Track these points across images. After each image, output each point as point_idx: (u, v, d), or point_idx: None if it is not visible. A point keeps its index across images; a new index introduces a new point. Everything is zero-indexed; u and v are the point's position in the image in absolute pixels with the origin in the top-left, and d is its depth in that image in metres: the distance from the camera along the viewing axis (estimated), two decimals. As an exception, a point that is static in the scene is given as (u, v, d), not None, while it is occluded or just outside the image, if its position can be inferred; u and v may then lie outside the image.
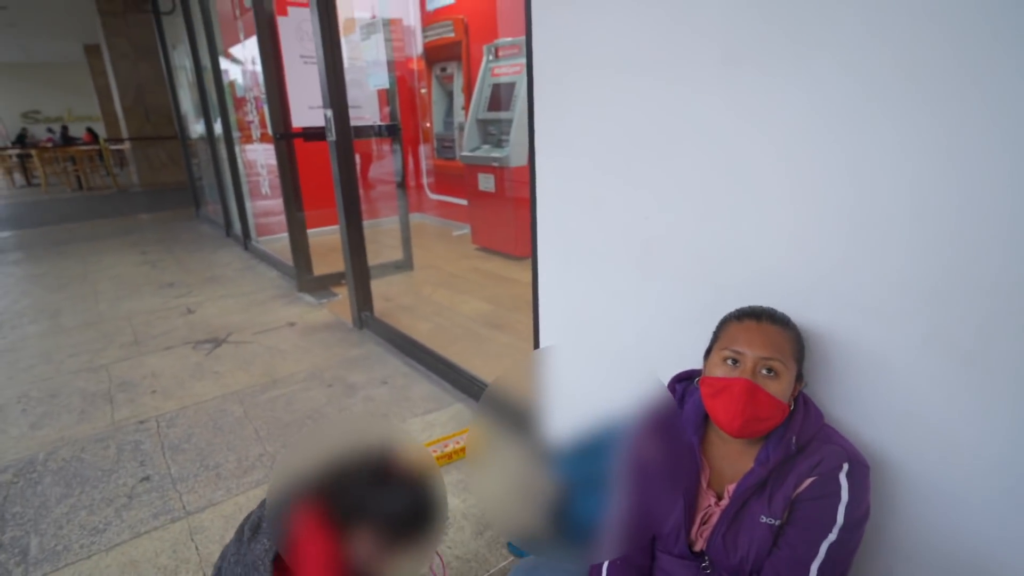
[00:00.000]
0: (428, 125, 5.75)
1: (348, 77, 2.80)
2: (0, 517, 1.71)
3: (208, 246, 5.38)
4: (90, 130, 13.42)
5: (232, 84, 4.82)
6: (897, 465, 0.96)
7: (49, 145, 12.37)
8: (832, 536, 0.84)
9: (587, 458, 0.93)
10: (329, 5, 2.62)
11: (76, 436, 2.15)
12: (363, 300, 3.12)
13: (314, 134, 3.44)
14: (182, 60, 5.95)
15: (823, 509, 0.85)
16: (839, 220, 0.94)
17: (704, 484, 0.96)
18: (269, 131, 3.65)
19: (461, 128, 5.05)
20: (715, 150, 1.10)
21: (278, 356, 2.80)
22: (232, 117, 4.86)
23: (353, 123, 2.89)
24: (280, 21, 3.39)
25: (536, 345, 1.82)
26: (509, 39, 4.24)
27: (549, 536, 0.89)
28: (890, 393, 0.94)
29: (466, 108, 4.82)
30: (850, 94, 0.89)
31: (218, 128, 5.09)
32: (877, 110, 0.86)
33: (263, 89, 3.56)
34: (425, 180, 6.02)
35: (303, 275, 3.82)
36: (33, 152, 10.80)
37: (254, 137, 4.69)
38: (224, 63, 4.73)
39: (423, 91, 5.72)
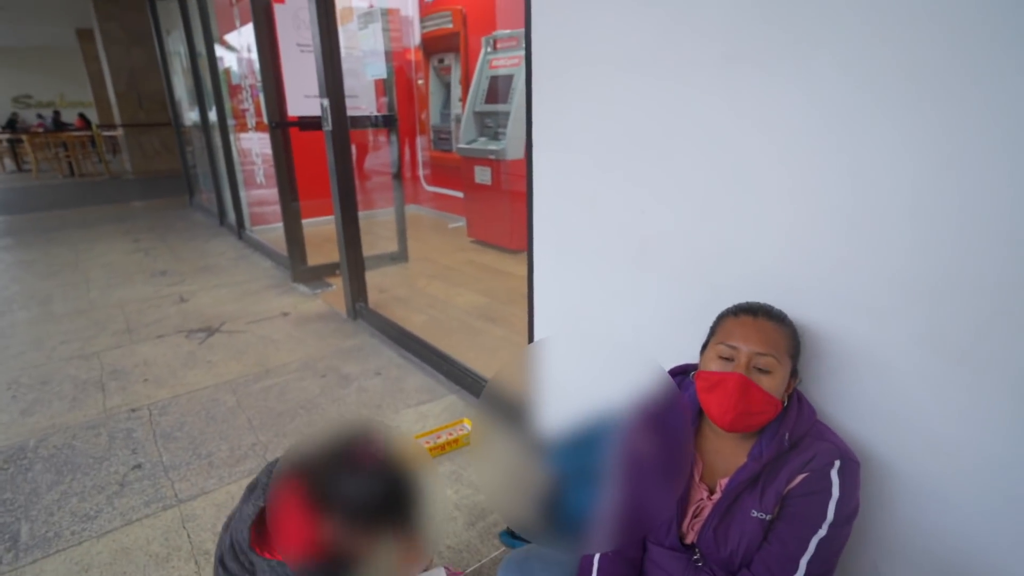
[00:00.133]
0: (424, 117, 5.72)
1: (345, 66, 2.78)
2: (-10, 503, 1.71)
3: (201, 235, 5.34)
4: (82, 116, 13.26)
5: (227, 71, 4.77)
6: (886, 462, 0.97)
7: (40, 130, 12.22)
8: (822, 532, 0.85)
9: (583, 450, 0.94)
10: (327, -7, 2.60)
11: (67, 423, 2.14)
12: (358, 291, 3.12)
13: (310, 123, 3.42)
14: (176, 46, 5.88)
15: (814, 505, 0.86)
16: (836, 219, 0.95)
17: (697, 478, 0.97)
18: (264, 120, 3.62)
19: (458, 120, 5.03)
20: (714, 148, 1.11)
21: (271, 346, 2.79)
22: (227, 105, 4.82)
23: (349, 113, 2.87)
24: (277, 8, 3.36)
25: (531, 339, 1.82)
26: (507, 31, 4.21)
27: (544, 527, 0.90)
28: (882, 391, 0.95)
29: (463, 100, 4.80)
30: (849, 94, 0.89)
31: (213, 116, 5.05)
32: (875, 110, 0.87)
33: (259, 77, 3.52)
34: (421, 172, 5.99)
35: (297, 265, 3.80)
36: (24, 137, 10.66)
37: (249, 126, 4.66)
38: (219, 50, 4.69)
39: (420, 82, 5.68)
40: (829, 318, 0.99)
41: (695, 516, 0.96)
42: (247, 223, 5.06)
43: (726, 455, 0.97)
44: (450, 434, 1.96)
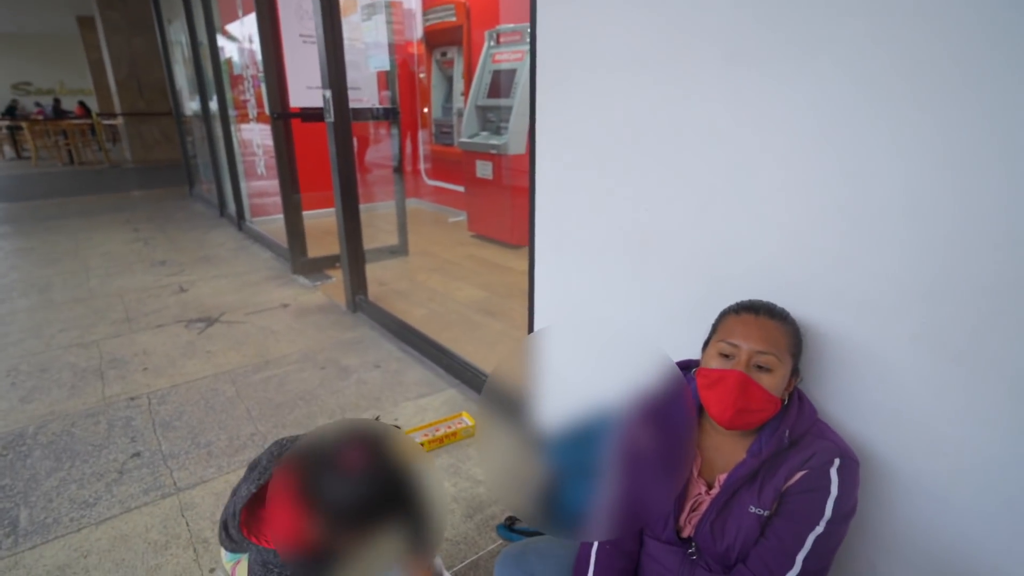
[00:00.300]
0: (426, 110, 5.70)
1: (347, 58, 2.77)
2: (-11, 489, 1.71)
3: (201, 225, 5.34)
4: (82, 104, 13.21)
5: (229, 61, 4.75)
6: (884, 461, 0.97)
7: (40, 118, 12.17)
8: (819, 528, 0.86)
9: (583, 444, 0.94)
10: (331, -16, 2.59)
11: (66, 411, 2.14)
12: (358, 284, 3.12)
13: (312, 115, 3.41)
14: (178, 35, 5.86)
15: (812, 502, 0.87)
16: (836, 217, 0.95)
17: (695, 472, 0.98)
18: (266, 110, 3.61)
19: (460, 114, 5.02)
20: (716, 145, 1.11)
21: (271, 337, 2.80)
22: (228, 95, 4.80)
23: (352, 105, 2.86)
24: (280, -2, 3.34)
25: (531, 333, 1.82)
26: (511, 25, 4.20)
27: (544, 517, 0.91)
28: (880, 389, 0.95)
29: (465, 94, 4.79)
30: (849, 94, 0.90)
31: (214, 106, 5.03)
32: (875, 110, 0.87)
33: (261, 67, 3.51)
34: (422, 165, 5.98)
35: (297, 257, 3.80)
36: (24, 125, 10.62)
37: (250, 116, 4.64)
38: (221, 40, 4.67)
39: (422, 76, 5.67)
40: (829, 316, 0.99)
41: (692, 510, 0.97)
42: (247, 214, 5.05)
43: (725, 451, 0.97)
44: (449, 427, 1.97)
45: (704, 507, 0.95)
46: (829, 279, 0.98)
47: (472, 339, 2.75)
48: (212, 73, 4.72)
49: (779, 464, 0.91)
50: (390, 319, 2.84)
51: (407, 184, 5.50)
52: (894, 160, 0.86)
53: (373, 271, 3.27)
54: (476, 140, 4.33)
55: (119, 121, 10.06)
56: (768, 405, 0.90)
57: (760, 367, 0.90)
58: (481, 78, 4.34)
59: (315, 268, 3.85)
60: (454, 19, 4.89)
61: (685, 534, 0.97)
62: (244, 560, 1.10)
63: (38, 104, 14.59)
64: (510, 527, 1.53)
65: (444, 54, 5.34)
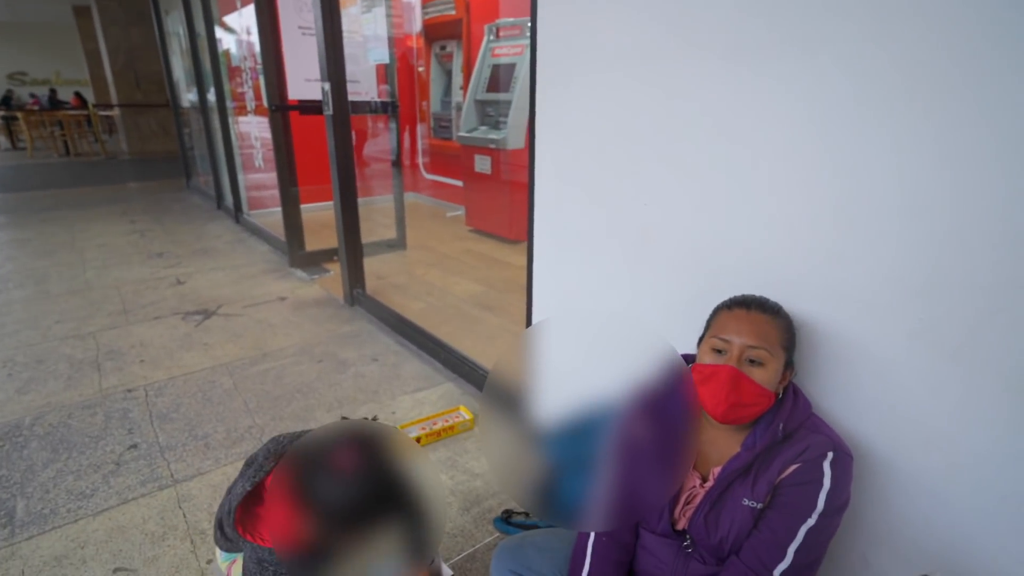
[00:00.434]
0: (425, 106, 5.69)
1: (346, 51, 2.76)
2: (-14, 480, 1.71)
3: (199, 218, 5.32)
4: (78, 95, 13.11)
5: (227, 53, 4.72)
6: (879, 455, 0.98)
7: (35, 108, 12.08)
8: (811, 521, 0.87)
9: (582, 439, 0.95)
10: (330, -25, 2.57)
11: (63, 402, 2.14)
12: (355, 277, 3.11)
13: (310, 107, 3.39)
14: (175, 26, 5.82)
15: (805, 494, 0.88)
16: (834, 214, 0.95)
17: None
18: (264, 103, 3.59)
19: (459, 108, 5.01)
20: (715, 140, 1.11)
21: (268, 330, 2.80)
22: (226, 87, 4.77)
23: (350, 98, 2.85)
24: (279, -10, 3.32)
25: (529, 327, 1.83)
26: (511, 19, 4.19)
27: (545, 509, 0.91)
28: (876, 385, 0.96)
29: (464, 88, 4.77)
30: (848, 91, 0.90)
31: (211, 98, 5.00)
32: (873, 108, 0.88)
33: (259, 59, 3.49)
34: (420, 160, 5.97)
35: (295, 250, 3.79)
36: (19, 115, 10.54)
37: (248, 108, 4.62)
38: (219, 31, 4.64)
39: (421, 69, 5.65)
40: (826, 311, 1.00)
41: (687, 503, 0.98)
42: (245, 207, 5.03)
43: (720, 444, 0.98)
44: (446, 421, 1.97)
45: (698, 500, 0.96)
46: (827, 275, 0.98)
47: (470, 333, 2.76)
48: (210, 65, 4.69)
49: (773, 457, 0.91)
50: (388, 313, 2.84)
51: (405, 178, 5.49)
52: (892, 157, 0.87)
53: (371, 265, 3.26)
54: (475, 134, 4.32)
55: (115, 112, 10.00)
56: (761, 399, 0.90)
57: (752, 361, 0.91)
58: (480, 72, 4.33)
59: (313, 261, 3.84)
60: (453, 12, 4.87)
61: (680, 527, 0.98)
62: (239, 560, 1.10)
63: (33, 95, 14.48)
64: (507, 520, 1.54)
65: (443, 48, 5.32)
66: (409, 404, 2.16)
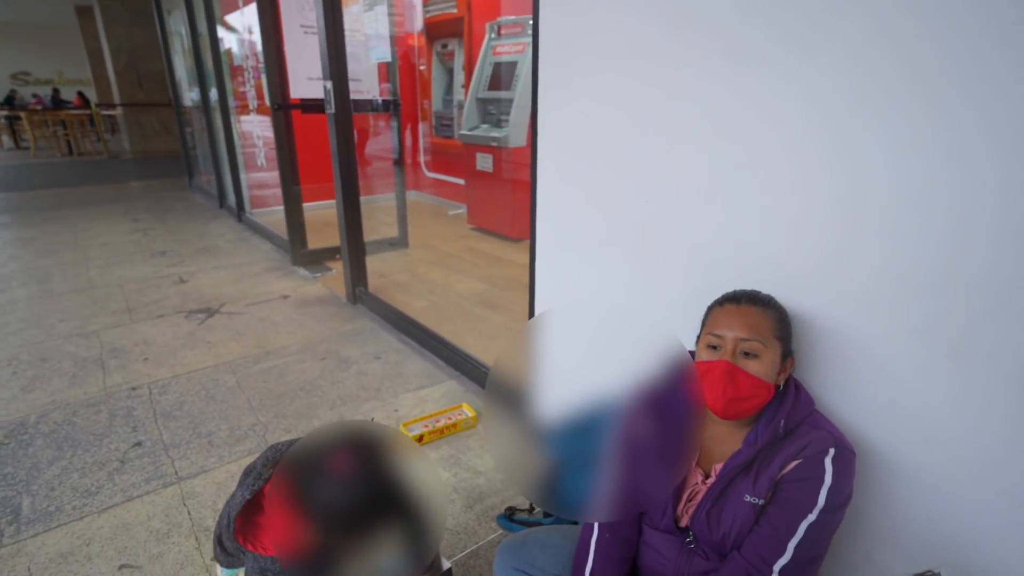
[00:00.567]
0: (427, 104, 5.69)
1: (348, 49, 2.76)
2: (-9, 477, 1.72)
3: (201, 216, 5.33)
4: (81, 94, 13.14)
5: (229, 52, 4.73)
6: (881, 452, 0.98)
7: (38, 108, 12.11)
8: (812, 517, 0.87)
9: (584, 436, 0.95)
10: (332, -26, 2.57)
11: (68, 400, 2.15)
12: (358, 275, 3.12)
13: (313, 106, 3.40)
14: (178, 26, 5.82)
15: (806, 490, 0.88)
16: (834, 211, 0.96)
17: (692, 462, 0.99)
18: (266, 101, 3.59)
19: (460, 106, 5.01)
20: (716, 138, 1.11)
21: (271, 328, 2.80)
22: (228, 86, 4.78)
23: (352, 96, 2.85)
24: (280, -11, 3.32)
25: (531, 325, 1.83)
26: (512, 17, 4.18)
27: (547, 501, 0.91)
28: (877, 381, 0.96)
29: (466, 86, 4.77)
30: (848, 90, 0.90)
31: (213, 97, 5.01)
32: (873, 106, 0.88)
33: (261, 58, 3.50)
34: (422, 158, 5.97)
35: (297, 248, 3.80)
36: (22, 115, 10.57)
37: (250, 107, 4.63)
38: (221, 30, 4.64)
39: (422, 67, 5.65)
40: (827, 308, 1.00)
41: (689, 500, 0.98)
42: (247, 205, 5.04)
43: (722, 441, 0.98)
44: (449, 419, 1.98)
45: (700, 496, 0.96)
46: (827, 272, 0.98)
47: (472, 331, 2.76)
48: (212, 64, 4.70)
49: (774, 453, 0.91)
50: (390, 311, 2.84)
51: (407, 176, 5.49)
52: (892, 155, 0.87)
53: (373, 263, 3.27)
54: (476, 133, 4.32)
55: (118, 112, 10.02)
56: (759, 391, 0.91)
57: (747, 354, 0.92)
58: (482, 70, 4.33)
59: (315, 260, 3.85)
60: (455, 11, 4.87)
61: (683, 523, 0.98)
62: (241, 574, 1.09)
63: (36, 95, 14.52)
64: (510, 517, 1.55)
65: (445, 46, 5.32)
66: (412, 402, 2.16)
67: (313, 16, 3.08)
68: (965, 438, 0.88)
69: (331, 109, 2.76)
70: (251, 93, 4.54)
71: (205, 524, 1.55)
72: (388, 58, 3.84)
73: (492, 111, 4.34)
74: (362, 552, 0.75)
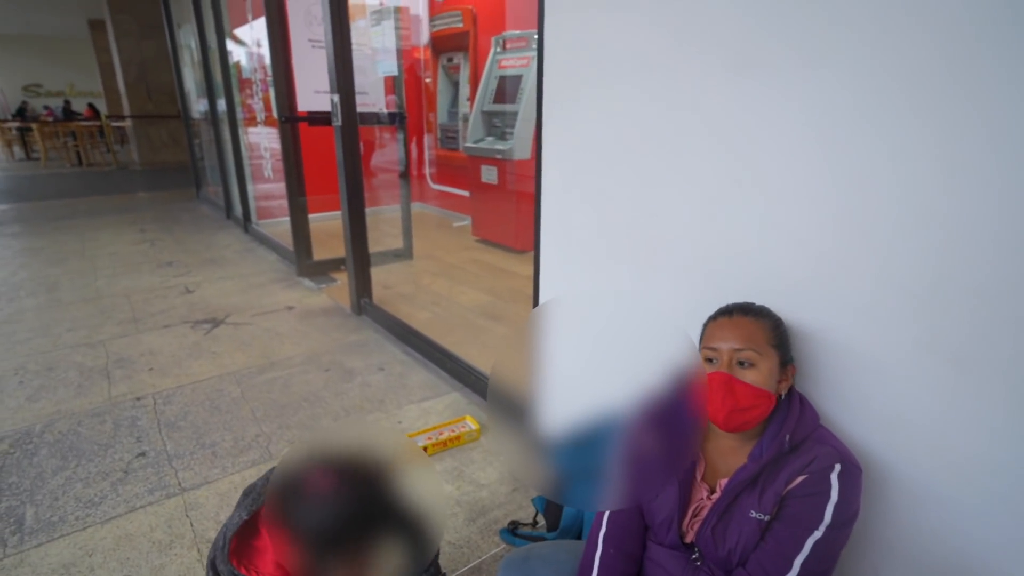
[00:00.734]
0: (432, 117, 5.73)
1: (355, 63, 2.79)
2: (-4, 487, 1.73)
3: (208, 227, 5.37)
4: (91, 106, 13.33)
5: (237, 65, 4.80)
6: (887, 466, 0.98)
7: (49, 119, 12.28)
8: (818, 533, 0.86)
9: (589, 447, 0.95)
10: (340, -10, 2.61)
11: (73, 410, 2.16)
12: (362, 287, 3.13)
13: (319, 119, 3.43)
14: (188, 39, 5.91)
15: (812, 506, 0.87)
16: (839, 222, 0.96)
17: (698, 477, 0.98)
18: (274, 114, 3.64)
19: (465, 119, 5.05)
20: (721, 151, 1.12)
21: (276, 339, 2.81)
22: (236, 98, 4.84)
23: (359, 109, 2.88)
24: (289, 4, 3.37)
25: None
26: (517, 32, 4.23)
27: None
28: (883, 395, 0.96)
29: (471, 99, 4.81)
30: (852, 102, 0.91)
31: (222, 109, 5.07)
32: (878, 118, 0.88)
33: (269, 71, 3.54)
34: (427, 170, 6.01)
35: (303, 260, 3.82)
36: (34, 126, 10.72)
37: (258, 120, 4.68)
38: (230, 44, 4.71)
39: (428, 81, 5.70)
40: (833, 321, 1.00)
41: (695, 515, 0.97)
42: (253, 216, 5.08)
43: (727, 456, 0.98)
44: (452, 431, 1.97)
45: (705, 512, 0.95)
46: (833, 284, 0.98)
47: (476, 343, 2.76)
48: (221, 76, 4.76)
49: (780, 469, 0.91)
50: (394, 322, 2.85)
51: (412, 188, 5.52)
52: (897, 166, 0.87)
53: (378, 274, 3.28)
54: (481, 145, 4.35)
55: (127, 123, 10.14)
56: (759, 400, 0.91)
57: (742, 363, 0.92)
58: (487, 83, 4.37)
59: (320, 271, 3.87)
60: (461, 25, 4.93)
61: (688, 539, 0.97)
62: None
63: (47, 107, 14.74)
64: (513, 532, 1.54)
65: (450, 59, 5.37)
66: (415, 414, 2.16)
67: (321, 30, 3.13)
68: (973, 452, 0.87)
69: (338, 122, 2.79)
70: (259, 105, 4.60)
71: (207, 536, 1.54)
72: (395, 72, 3.89)
73: (497, 124, 4.37)
74: (357, 566, 0.74)
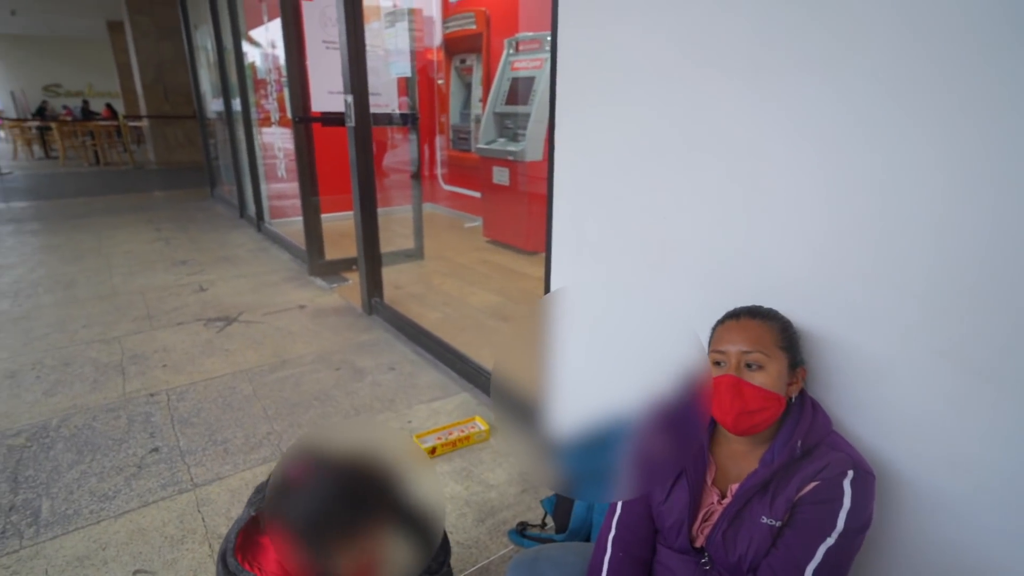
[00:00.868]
0: (444, 119, 5.75)
1: (368, 64, 2.81)
2: (13, 479, 1.75)
3: (222, 226, 5.43)
4: (109, 106, 13.53)
5: (253, 66, 4.85)
6: (903, 475, 0.96)
7: (68, 119, 12.49)
8: (830, 541, 0.85)
9: (598, 448, 0.94)
10: (355, -9, 2.63)
11: (88, 405, 2.19)
12: (374, 286, 3.15)
13: (333, 119, 3.46)
14: (204, 40, 5.98)
15: (824, 513, 0.86)
16: (860, 230, 0.95)
17: (709, 481, 0.97)
18: (288, 114, 3.67)
19: (478, 120, 5.06)
20: (737, 156, 1.11)
21: (288, 337, 2.83)
22: (251, 99, 4.89)
23: (372, 110, 2.90)
24: (304, 6, 3.41)
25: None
26: (530, 33, 4.23)
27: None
28: (898, 401, 0.94)
29: (484, 100, 4.83)
30: (879, 104, 0.89)
31: (236, 109, 5.13)
32: (904, 122, 0.87)
33: (284, 72, 3.58)
34: (439, 171, 6.03)
35: (315, 259, 3.85)
36: (53, 125, 10.91)
37: (272, 120, 4.72)
38: (246, 45, 4.76)
39: (440, 82, 5.73)
40: (850, 328, 0.98)
41: (705, 520, 0.97)
42: (266, 216, 5.13)
43: (738, 460, 0.97)
44: (461, 431, 1.98)
45: (716, 516, 0.95)
46: (852, 292, 0.97)
47: (486, 344, 2.76)
48: (236, 77, 4.81)
49: (792, 474, 0.90)
50: (405, 322, 2.86)
51: (424, 189, 5.55)
52: (922, 173, 0.86)
53: (389, 274, 3.30)
54: (493, 146, 4.36)
55: (144, 123, 10.29)
56: (768, 403, 0.90)
57: (750, 366, 0.92)
58: (500, 85, 4.37)
59: (332, 270, 3.89)
60: (474, 27, 4.94)
61: (698, 544, 0.97)
62: None
63: (66, 106, 15.00)
64: (522, 533, 1.54)
65: (463, 61, 5.39)
66: (425, 414, 2.16)
67: (335, 32, 3.16)
68: (992, 464, 0.86)
69: (351, 122, 2.81)
70: (273, 106, 4.64)
71: (219, 531, 1.56)
72: (408, 73, 3.91)
73: (509, 125, 4.38)
74: (356, 560, 0.74)
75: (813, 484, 0.88)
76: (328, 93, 3.52)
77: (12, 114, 15.25)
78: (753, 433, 0.93)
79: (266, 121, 4.88)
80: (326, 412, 2.16)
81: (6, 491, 1.70)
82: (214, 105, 6.21)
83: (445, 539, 1.05)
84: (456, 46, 5.35)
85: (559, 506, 1.52)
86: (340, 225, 4.16)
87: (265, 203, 5.11)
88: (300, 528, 0.74)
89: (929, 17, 0.82)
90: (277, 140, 4.85)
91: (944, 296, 0.86)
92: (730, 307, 1.03)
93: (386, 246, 3.29)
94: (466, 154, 5.43)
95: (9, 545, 1.50)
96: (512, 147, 4.17)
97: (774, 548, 0.89)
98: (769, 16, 1.01)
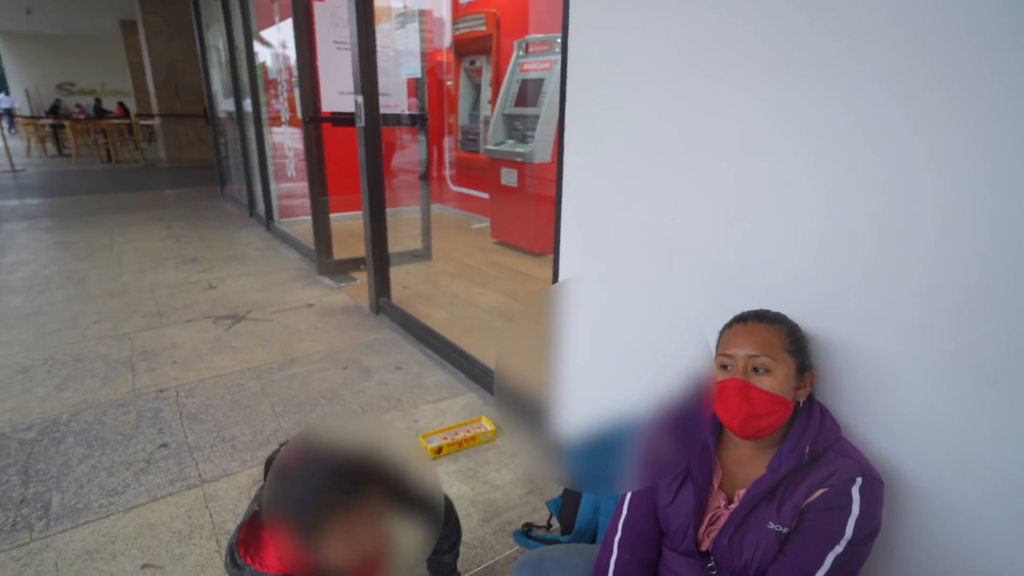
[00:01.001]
0: (452, 120, 5.77)
1: (379, 65, 2.83)
2: (24, 473, 1.77)
3: (231, 225, 5.46)
4: (122, 104, 13.67)
5: (264, 66, 4.88)
6: (912, 481, 0.96)
7: (81, 117, 12.62)
8: (839, 548, 0.85)
9: (604, 450, 0.94)
10: (366, -8, 2.65)
11: (98, 400, 2.21)
12: (381, 286, 3.16)
13: (343, 119, 3.48)
14: (216, 40, 6.03)
15: (832, 521, 0.86)
16: (867, 232, 0.94)
17: (715, 485, 0.97)
18: (298, 114, 3.69)
19: (487, 121, 5.07)
20: (746, 158, 1.11)
21: (296, 335, 2.85)
22: (262, 98, 4.92)
23: (382, 111, 2.91)
24: (316, 6, 3.43)
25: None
26: (540, 35, 4.23)
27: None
28: (911, 408, 0.94)
29: (493, 102, 4.84)
30: (886, 106, 0.89)
31: (247, 109, 5.16)
32: (913, 124, 0.87)
33: (295, 72, 3.60)
34: (447, 171, 6.05)
35: (323, 258, 3.87)
36: (66, 123, 11.03)
37: (283, 120, 4.75)
38: (257, 45, 4.79)
39: (450, 83, 5.74)
40: (858, 332, 0.98)
41: (711, 524, 0.96)
42: (276, 215, 5.16)
43: (745, 465, 0.97)
44: (468, 431, 1.98)
45: (722, 521, 0.94)
46: (861, 295, 0.97)
47: (493, 344, 2.77)
48: (247, 77, 4.84)
49: (799, 480, 0.90)
50: (412, 322, 2.87)
51: (432, 190, 5.56)
52: (931, 176, 0.86)
53: (396, 274, 3.31)
54: (502, 148, 4.36)
55: (156, 122, 10.39)
56: (775, 407, 0.90)
57: (757, 370, 0.91)
58: (509, 86, 4.38)
59: (340, 270, 3.91)
60: (484, 28, 4.95)
61: (704, 547, 0.97)
62: None
63: (79, 104, 15.16)
64: (527, 534, 1.54)
65: (473, 62, 5.40)
66: (432, 413, 2.17)
67: (346, 32, 3.17)
68: (1002, 469, 0.85)
69: (361, 123, 2.83)
70: (283, 106, 4.67)
71: (226, 527, 1.57)
72: (418, 74, 3.92)
73: (518, 127, 4.38)
74: (356, 542, 0.73)
75: (821, 491, 0.87)
76: (339, 93, 3.53)
77: (26, 112, 15.43)
78: (760, 437, 0.92)
79: (276, 121, 4.91)
80: (333, 411, 2.17)
81: (17, 484, 1.72)
82: (225, 104, 6.25)
83: (454, 518, 1.05)
84: (466, 47, 5.36)
85: (564, 507, 1.52)
86: (349, 225, 4.18)
87: (274, 202, 5.14)
88: (293, 512, 0.73)
89: (930, 18, 0.82)
90: (287, 140, 4.88)
91: (949, 297, 0.86)
92: (736, 309, 1.03)
93: (394, 246, 3.30)
94: (474, 155, 5.44)
95: (20, 538, 1.52)
96: (521, 148, 4.17)
97: (782, 555, 0.88)
98: (774, 19, 1.01)
